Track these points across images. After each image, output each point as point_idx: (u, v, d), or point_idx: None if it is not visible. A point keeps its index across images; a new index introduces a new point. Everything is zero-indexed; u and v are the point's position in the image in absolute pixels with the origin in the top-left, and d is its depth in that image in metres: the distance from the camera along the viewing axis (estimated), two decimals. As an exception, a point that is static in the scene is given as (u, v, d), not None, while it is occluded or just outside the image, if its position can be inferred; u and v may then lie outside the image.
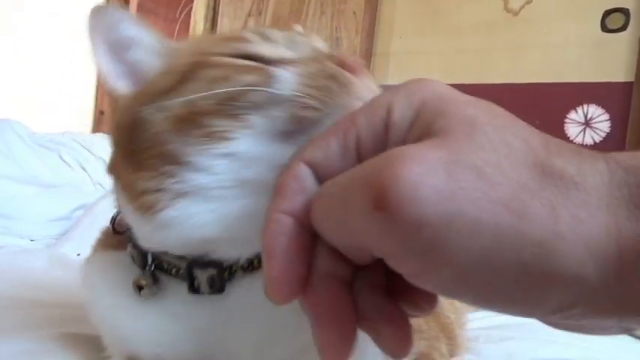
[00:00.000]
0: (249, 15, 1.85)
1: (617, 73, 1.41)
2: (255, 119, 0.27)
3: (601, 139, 1.41)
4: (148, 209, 0.29)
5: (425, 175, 0.17)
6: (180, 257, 0.32)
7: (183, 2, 1.87)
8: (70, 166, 1.23)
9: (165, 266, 0.33)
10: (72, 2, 1.58)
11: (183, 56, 0.32)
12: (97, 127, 1.69)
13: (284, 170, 0.24)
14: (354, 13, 1.74)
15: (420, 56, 1.68)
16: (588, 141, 1.42)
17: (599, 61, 1.42)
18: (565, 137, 1.44)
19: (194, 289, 0.33)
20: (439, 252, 0.17)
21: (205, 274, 0.32)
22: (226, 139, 0.27)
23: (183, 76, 0.30)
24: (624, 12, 1.41)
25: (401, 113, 0.21)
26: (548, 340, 0.58)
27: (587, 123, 1.43)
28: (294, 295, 0.22)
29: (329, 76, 0.28)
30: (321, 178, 0.23)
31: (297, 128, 0.27)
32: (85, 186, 1.23)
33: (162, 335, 0.33)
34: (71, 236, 0.95)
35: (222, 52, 0.30)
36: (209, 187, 0.28)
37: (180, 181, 0.28)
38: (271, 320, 0.32)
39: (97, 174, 1.27)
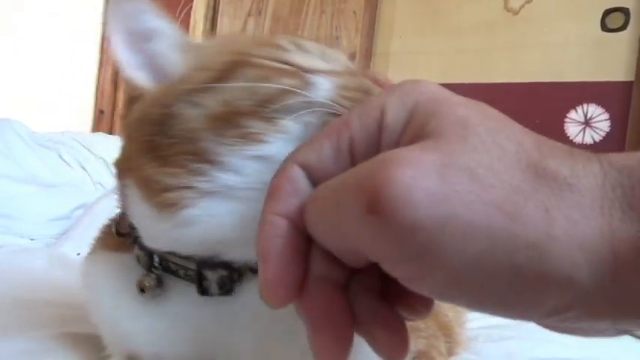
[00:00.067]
0: (248, 15, 1.85)
1: (617, 72, 1.40)
2: (289, 124, 0.27)
3: (601, 138, 1.41)
4: (170, 206, 0.28)
5: (418, 178, 0.17)
6: (188, 258, 0.32)
7: (183, 2, 1.86)
8: (69, 165, 1.23)
9: (173, 267, 0.33)
10: (72, 2, 1.58)
11: (219, 54, 0.31)
12: (96, 127, 1.69)
13: (277, 172, 0.24)
14: (354, 12, 1.74)
15: (420, 56, 1.68)
16: (588, 140, 1.42)
17: (599, 60, 1.42)
18: (565, 137, 1.44)
19: (203, 290, 0.32)
20: (433, 255, 0.17)
21: (216, 275, 0.32)
22: (260, 141, 0.27)
23: (222, 73, 0.29)
24: (624, 11, 1.41)
25: (394, 115, 0.21)
26: (547, 339, 0.58)
27: (587, 122, 1.43)
28: (290, 298, 0.22)
29: (363, 90, 0.28)
30: (314, 180, 0.23)
31: None
32: (84, 185, 1.23)
33: (164, 336, 0.33)
34: (71, 236, 0.96)
35: (260, 54, 0.30)
36: (236, 188, 0.27)
37: (208, 180, 0.27)
38: (277, 322, 0.32)
39: (96, 173, 1.27)
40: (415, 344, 0.40)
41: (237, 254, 0.31)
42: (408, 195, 0.17)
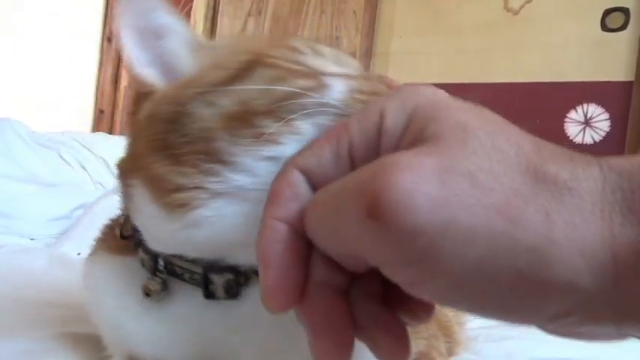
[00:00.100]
0: (248, 14, 1.85)
1: (617, 72, 1.40)
2: (303, 125, 0.26)
3: (601, 138, 1.41)
4: (179, 207, 0.28)
5: (418, 183, 0.17)
6: (194, 262, 0.32)
7: (183, 1, 1.86)
8: (70, 165, 1.23)
9: (178, 271, 0.32)
10: (72, 2, 1.58)
11: (234, 53, 0.31)
12: (96, 127, 1.69)
13: (277, 176, 0.24)
14: (354, 12, 1.74)
15: (420, 56, 1.68)
16: (588, 140, 1.42)
17: (599, 60, 1.42)
18: (565, 136, 1.44)
19: (208, 294, 0.32)
20: (434, 260, 0.17)
21: (222, 278, 0.32)
22: (274, 142, 0.26)
23: (238, 72, 0.29)
24: (624, 11, 1.41)
25: (393, 119, 0.21)
26: (547, 339, 0.57)
27: (587, 122, 1.43)
28: (291, 303, 0.22)
29: (376, 94, 0.28)
30: (314, 184, 0.23)
31: None
32: (85, 185, 1.23)
33: (167, 338, 0.33)
34: (71, 235, 0.96)
35: (276, 55, 0.29)
36: (248, 189, 0.27)
37: (221, 181, 0.27)
38: (281, 327, 0.32)
39: (97, 173, 1.27)
40: (415, 345, 0.40)
41: (244, 257, 0.30)
42: (408, 200, 0.17)
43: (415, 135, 0.20)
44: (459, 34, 1.61)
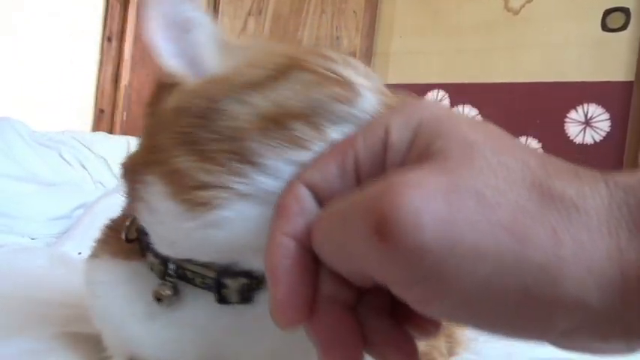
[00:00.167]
0: (249, 14, 1.85)
1: (617, 72, 1.41)
2: (333, 133, 0.26)
3: (601, 138, 1.41)
4: (201, 204, 0.27)
5: (426, 202, 0.17)
6: (206, 266, 0.31)
7: (183, 1, 1.86)
8: (70, 164, 1.23)
9: (189, 275, 0.32)
10: (72, 2, 1.58)
11: (270, 54, 0.30)
12: (97, 126, 1.69)
13: (284, 191, 0.24)
14: (354, 12, 1.74)
15: (420, 56, 1.68)
16: (588, 140, 1.42)
17: (600, 60, 1.42)
18: (565, 136, 1.44)
19: (221, 298, 0.31)
20: (442, 278, 0.17)
21: (237, 283, 0.31)
22: (304, 147, 0.26)
23: (275, 73, 0.28)
24: (625, 11, 1.41)
25: (399, 134, 0.21)
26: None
27: (587, 122, 1.43)
28: (301, 319, 0.22)
29: None
30: (320, 199, 0.23)
31: None
32: (85, 184, 1.23)
33: (174, 342, 0.33)
34: (72, 235, 0.96)
35: (312, 61, 0.29)
36: (271, 193, 0.26)
37: (247, 182, 0.26)
38: (293, 332, 0.32)
39: (97, 172, 1.27)
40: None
41: (260, 262, 0.30)
42: (415, 219, 0.17)
43: (421, 151, 0.20)
44: (459, 34, 1.61)
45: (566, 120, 1.45)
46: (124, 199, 0.37)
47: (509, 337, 0.19)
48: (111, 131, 1.67)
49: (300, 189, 0.23)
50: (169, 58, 0.30)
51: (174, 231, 0.29)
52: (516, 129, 1.48)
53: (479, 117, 1.56)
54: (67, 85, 1.60)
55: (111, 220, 0.40)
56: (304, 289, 0.22)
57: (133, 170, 0.32)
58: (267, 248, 0.22)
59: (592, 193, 0.18)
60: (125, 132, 1.65)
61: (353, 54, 1.71)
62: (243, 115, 0.27)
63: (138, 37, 1.74)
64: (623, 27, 1.40)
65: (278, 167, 0.26)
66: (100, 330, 0.37)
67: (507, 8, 1.55)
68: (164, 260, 0.32)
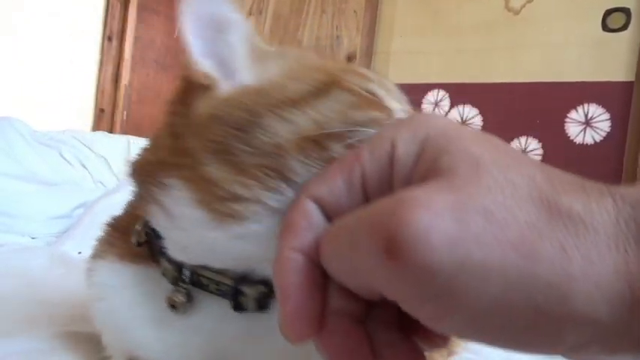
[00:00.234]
0: (249, 14, 1.85)
1: (617, 72, 1.41)
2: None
3: (601, 138, 1.41)
4: (230, 216, 0.27)
5: (435, 221, 0.17)
6: (222, 273, 0.31)
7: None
8: (70, 163, 1.24)
9: (204, 282, 0.31)
10: (72, 2, 1.59)
11: (309, 69, 0.30)
12: (97, 126, 1.69)
13: (291, 206, 0.24)
14: (354, 12, 1.74)
15: (420, 56, 1.68)
16: (589, 140, 1.42)
17: (600, 60, 1.42)
18: (565, 137, 1.44)
19: (237, 305, 0.31)
20: (451, 297, 0.17)
21: (255, 291, 0.31)
22: None
23: (316, 91, 0.28)
24: (625, 11, 1.41)
25: (405, 148, 0.21)
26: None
27: (587, 122, 1.43)
28: (310, 333, 0.22)
29: None
30: (328, 214, 0.23)
31: None
32: (85, 184, 1.23)
33: (183, 348, 0.32)
34: (72, 234, 0.96)
35: (350, 80, 0.29)
36: None
37: (279, 199, 0.26)
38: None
39: (97, 172, 1.27)
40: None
41: None
42: (425, 239, 0.17)
43: (428, 166, 0.20)
44: (460, 34, 1.61)
45: (567, 120, 1.45)
46: (129, 197, 0.36)
47: (519, 351, 0.19)
48: (111, 131, 1.67)
49: (307, 204, 0.23)
50: (200, 57, 0.29)
51: (195, 238, 0.29)
52: (516, 129, 1.48)
53: (479, 117, 1.56)
54: (67, 84, 1.60)
55: (113, 218, 0.39)
56: (313, 304, 0.22)
57: (147, 170, 0.31)
58: (276, 263, 0.22)
59: (599, 209, 0.18)
60: (125, 131, 1.65)
61: (353, 54, 1.71)
62: (284, 132, 0.27)
63: (138, 37, 1.74)
64: (624, 27, 1.40)
65: None
66: (100, 331, 0.37)
67: (508, 8, 1.55)
68: (178, 266, 0.32)
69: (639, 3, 1.39)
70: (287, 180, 0.26)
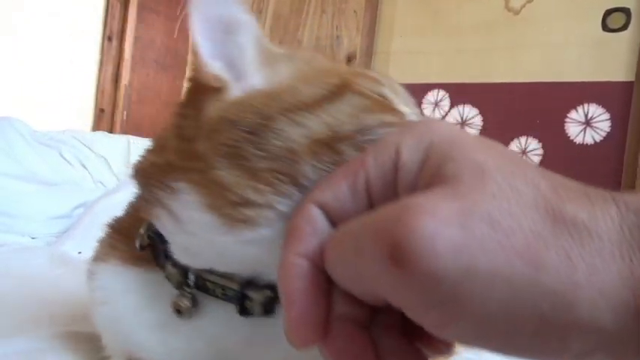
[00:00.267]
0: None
1: (617, 72, 1.40)
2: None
3: (601, 138, 1.41)
4: (242, 221, 0.26)
5: (440, 228, 0.17)
6: (228, 277, 0.31)
7: (183, 0, 1.86)
8: (70, 163, 1.24)
9: (210, 286, 0.31)
10: (72, 2, 1.59)
11: (321, 72, 0.30)
12: (97, 125, 1.69)
13: (296, 212, 0.24)
14: (354, 12, 1.74)
15: (420, 55, 1.68)
16: (589, 140, 1.42)
17: (600, 60, 1.42)
18: (565, 137, 1.44)
19: (243, 310, 0.31)
20: (456, 304, 0.17)
21: (261, 295, 0.31)
22: None
23: (329, 94, 0.28)
24: (625, 12, 1.41)
25: (410, 154, 0.22)
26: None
27: (587, 122, 1.43)
28: (315, 338, 0.22)
29: None
30: (332, 219, 0.23)
31: None
32: (85, 184, 1.23)
33: (187, 352, 0.32)
34: (72, 234, 0.96)
35: (363, 84, 0.29)
36: None
37: (290, 204, 0.26)
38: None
39: (97, 172, 1.27)
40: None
41: None
42: (430, 246, 0.17)
43: (433, 173, 0.20)
44: (460, 34, 1.61)
45: (567, 120, 1.45)
46: (129, 197, 0.36)
47: (524, 358, 0.19)
48: (111, 131, 1.67)
49: (311, 209, 0.23)
50: (211, 59, 0.29)
51: (204, 242, 0.29)
52: (516, 129, 1.48)
53: (479, 117, 1.56)
54: (67, 84, 1.60)
55: (115, 219, 0.39)
56: (318, 309, 0.22)
57: (152, 173, 0.31)
58: (281, 269, 0.22)
59: (603, 216, 0.18)
60: (125, 131, 1.65)
61: (353, 54, 1.71)
62: (297, 136, 0.26)
63: (138, 37, 1.74)
64: (624, 27, 1.40)
65: None
66: (101, 333, 0.37)
67: (508, 8, 1.55)
68: (183, 270, 0.32)
69: (639, 3, 1.39)
70: (298, 185, 0.26)
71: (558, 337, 0.17)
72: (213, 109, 0.28)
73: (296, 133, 0.26)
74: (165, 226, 0.30)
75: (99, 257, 0.36)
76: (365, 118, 0.27)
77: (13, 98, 1.41)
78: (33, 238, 0.97)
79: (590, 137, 1.42)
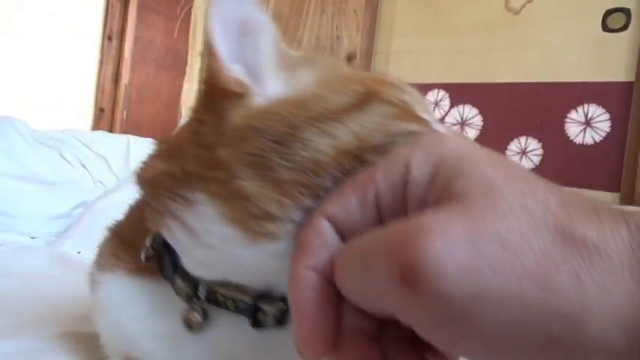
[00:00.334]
0: (249, 14, 1.85)
1: (617, 72, 1.40)
2: None
3: (601, 138, 1.41)
4: (264, 235, 0.26)
5: (450, 249, 0.17)
6: (241, 290, 0.30)
7: (183, 1, 1.87)
8: (70, 163, 1.24)
9: (221, 299, 0.31)
10: (72, 2, 1.59)
11: (346, 80, 0.29)
12: (97, 125, 1.69)
13: (305, 225, 0.24)
14: (354, 11, 1.74)
15: (420, 55, 1.68)
16: (589, 141, 1.42)
17: (600, 60, 1.42)
18: (565, 137, 1.44)
19: (255, 322, 0.31)
20: (466, 323, 0.18)
21: (275, 308, 0.30)
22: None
23: (357, 102, 0.27)
24: (625, 12, 1.41)
25: (419, 169, 0.22)
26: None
27: (587, 122, 1.43)
28: (326, 351, 0.22)
29: None
30: (341, 232, 0.23)
31: None
32: (85, 183, 1.23)
33: None
34: (72, 234, 0.96)
35: (388, 92, 0.28)
36: None
37: (307, 217, 0.25)
38: None
39: (97, 171, 1.27)
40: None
41: None
42: (441, 268, 0.17)
43: (443, 188, 0.20)
44: (460, 34, 1.61)
45: (567, 120, 1.45)
46: (129, 198, 0.35)
47: None
48: (111, 130, 1.67)
49: (321, 222, 0.23)
50: (230, 62, 0.28)
51: (223, 256, 0.28)
52: (516, 129, 1.48)
53: (479, 117, 1.56)
54: (67, 84, 1.60)
55: (117, 225, 0.38)
56: (328, 322, 0.22)
57: (162, 182, 0.29)
58: (291, 282, 0.22)
59: (613, 235, 0.18)
60: (125, 131, 1.65)
61: (353, 54, 1.71)
62: (324, 147, 0.25)
63: (138, 37, 1.74)
64: (624, 27, 1.40)
65: None
66: (101, 335, 0.36)
67: (508, 8, 1.55)
68: (193, 283, 0.31)
69: (639, 3, 1.39)
70: (319, 197, 0.25)
71: (567, 357, 0.17)
72: (237, 115, 0.27)
73: (324, 143, 0.25)
74: (177, 238, 0.29)
75: (104, 267, 0.35)
76: (392, 126, 0.26)
77: (13, 98, 1.41)
78: (32, 238, 0.97)
79: (590, 137, 1.42)
